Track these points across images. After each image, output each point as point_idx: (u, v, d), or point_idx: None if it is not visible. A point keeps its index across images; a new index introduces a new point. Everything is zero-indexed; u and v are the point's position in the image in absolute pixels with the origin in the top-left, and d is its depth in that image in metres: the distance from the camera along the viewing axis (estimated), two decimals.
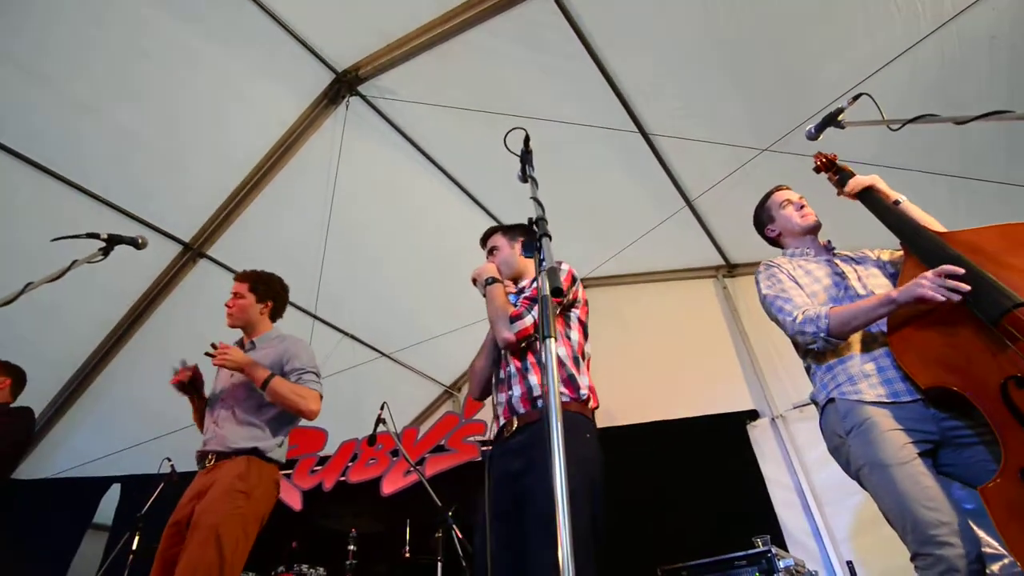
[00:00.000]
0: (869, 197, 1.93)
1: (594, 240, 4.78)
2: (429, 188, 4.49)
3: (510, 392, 1.85)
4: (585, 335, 1.98)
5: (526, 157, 1.76)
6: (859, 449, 1.62)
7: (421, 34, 3.70)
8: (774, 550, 2.77)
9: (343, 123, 4.04)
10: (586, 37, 3.52)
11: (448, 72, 3.82)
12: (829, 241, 2.11)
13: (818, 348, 1.78)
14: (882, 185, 1.95)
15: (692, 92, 3.81)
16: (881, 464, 1.54)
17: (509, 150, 1.75)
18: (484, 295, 1.97)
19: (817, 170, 2.11)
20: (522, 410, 1.81)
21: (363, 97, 4.03)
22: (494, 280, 1.95)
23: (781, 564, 2.72)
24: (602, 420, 4.76)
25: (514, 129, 1.74)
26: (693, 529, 3.68)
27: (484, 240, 2.24)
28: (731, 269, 5.10)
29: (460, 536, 2.64)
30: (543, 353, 1.08)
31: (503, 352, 1.94)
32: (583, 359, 1.93)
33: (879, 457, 1.55)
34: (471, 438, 4.35)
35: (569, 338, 1.91)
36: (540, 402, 1.79)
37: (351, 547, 2.95)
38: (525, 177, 1.79)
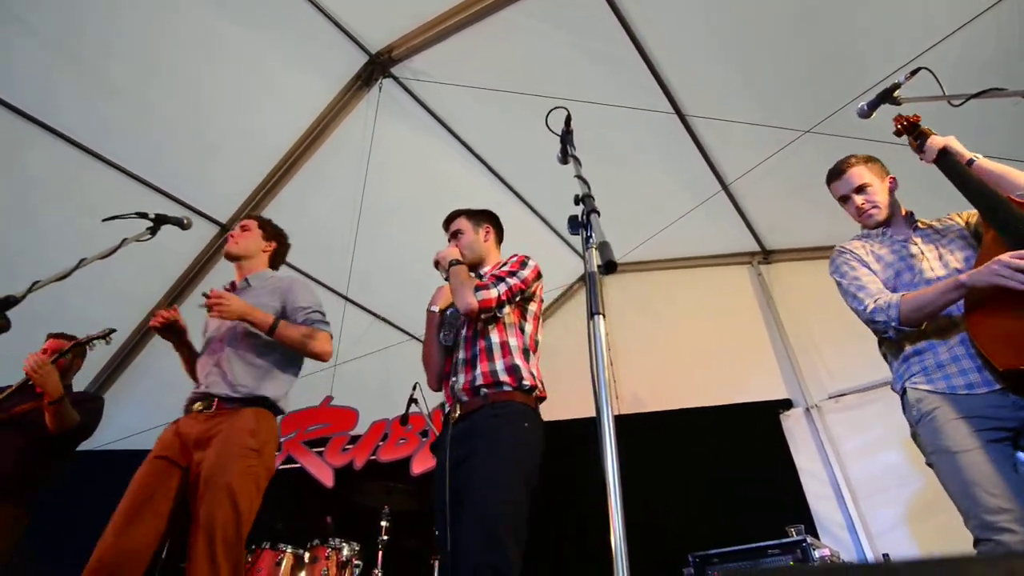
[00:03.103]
0: (945, 161, 1.78)
1: (626, 224, 4.71)
2: (461, 171, 4.48)
3: (455, 379, 1.88)
4: (538, 328, 2.03)
5: (567, 137, 1.73)
6: (927, 437, 1.61)
7: (454, 14, 3.67)
8: (809, 539, 2.73)
9: (376, 105, 4.05)
10: (623, 15, 3.44)
11: (481, 53, 3.79)
12: (910, 213, 1.96)
13: (891, 337, 1.74)
14: (957, 145, 1.78)
15: (731, 72, 3.70)
16: (946, 451, 1.54)
17: (550, 129, 1.72)
18: (447, 278, 1.99)
19: (898, 133, 1.95)
20: (464, 398, 1.83)
21: (396, 79, 4.03)
22: (458, 262, 1.98)
23: (816, 554, 2.68)
24: (632, 406, 4.77)
25: (556, 108, 1.71)
26: (724, 517, 3.65)
27: (447, 223, 2.22)
28: (766, 256, 4.98)
29: None
30: (590, 329, 1.06)
31: (457, 340, 1.96)
32: (534, 352, 1.97)
33: (944, 444, 1.55)
34: None
35: (522, 330, 1.95)
36: (483, 391, 1.82)
37: (384, 523, 3.00)
38: (565, 158, 1.76)
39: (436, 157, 4.40)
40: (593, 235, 1.21)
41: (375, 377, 5.25)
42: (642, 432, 4.01)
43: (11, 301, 1.53)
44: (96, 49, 3.40)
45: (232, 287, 2.32)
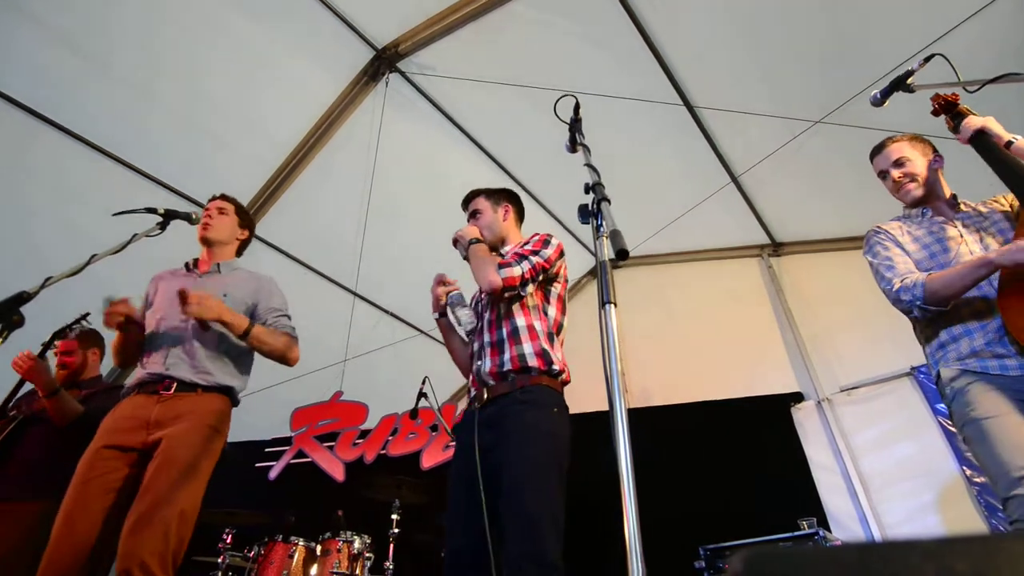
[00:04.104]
0: (981, 142, 1.70)
1: (635, 217, 4.68)
2: (467, 165, 4.48)
3: (480, 363, 1.84)
4: (563, 311, 1.97)
5: (576, 125, 1.72)
6: (959, 411, 1.62)
7: (461, 7, 3.65)
8: (822, 532, 2.71)
9: (383, 100, 4.05)
10: (629, 4, 3.41)
11: (488, 46, 3.78)
12: (954, 195, 1.92)
13: (917, 316, 1.73)
14: (995, 126, 1.72)
15: (740, 62, 3.67)
16: (976, 419, 1.55)
17: (559, 118, 1.71)
18: (466, 257, 1.94)
19: (935, 113, 1.89)
20: (491, 383, 1.80)
21: (403, 74, 4.02)
22: (478, 241, 1.93)
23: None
24: (642, 400, 4.75)
25: (564, 96, 1.69)
26: (735, 510, 3.63)
27: (466, 203, 2.17)
28: (776, 248, 4.94)
29: None
30: (603, 319, 1.05)
31: (478, 325, 1.93)
32: (557, 335, 1.92)
33: (975, 413, 1.56)
34: None
35: (546, 313, 1.90)
36: (511, 375, 1.78)
37: (394, 516, 3.01)
38: (574, 146, 1.75)
39: (443, 151, 4.39)
40: (604, 224, 1.20)
41: (384, 372, 5.27)
42: (651, 425, 4.00)
43: (24, 297, 1.54)
44: (99, 40, 3.39)
45: (195, 268, 2.28)
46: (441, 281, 1.92)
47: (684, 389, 4.42)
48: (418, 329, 5.56)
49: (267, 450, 4.62)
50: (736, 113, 3.86)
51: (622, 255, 0.99)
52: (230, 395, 2.08)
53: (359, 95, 4.08)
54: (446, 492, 3.12)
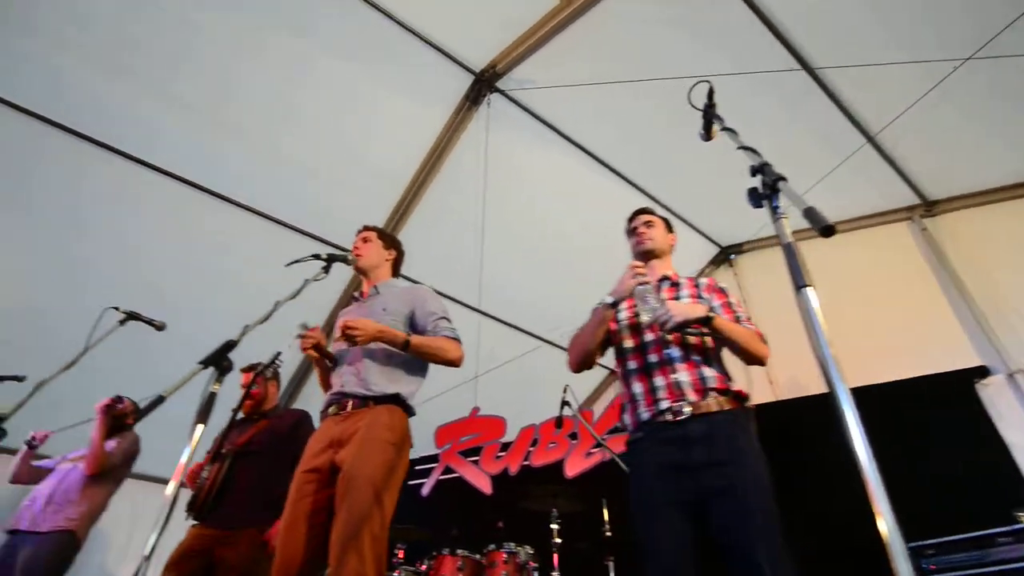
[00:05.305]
0: None
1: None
2: (578, 172, 4.48)
3: (674, 377, 1.78)
4: None
5: (710, 112, 1.67)
6: None
7: (553, 16, 3.68)
8: None
9: (487, 121, 4.17)
10: None
11: (585, 49, 3.77)
12: None
13: None
14: None
15: (858, 10, 3.34)
16: None
17: (693, 106, 1.66)
18: (696, 328, 1.80)
19: None
20: (692, 398, 1.74)
21: (503, 93, 4.12)
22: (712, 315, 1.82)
23: None
24: (791, 391, 4.41)
25: (698, 83, 1.65)
26: (925, 503, 3.24)
27: (642, 213, 2.20)
28: (930, 207, 4.40)
29: None
30: (802, 304, 0.99)
31: (660, 334, 1.85)
32: None
33: None
34: None
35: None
36: (713, 394, 1.75)
37: (553, 526, 3.03)
38: (708, 134, 1.70)
39: (550, 161, 4.43)
40: (779, 205, 1.14)
41: (515, 384, 5.37)
42: (808, 417, 3.69)
43: (231, 344, 1.75)
44: (230, 105, 3.84)
45: (361, 296, 2.41)
46: (636, 272, 1.86)
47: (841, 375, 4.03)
48: (542, 339, 5.62)
49: (416, 468, 4.87)
50: (863, 67, 3.52)
51: (828, 231, 0.92)
52: (400, 404, 2.13)
53: (463, 120, 4.23)
54: (602, 500, 3.12)
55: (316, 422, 2.31)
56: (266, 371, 2.86)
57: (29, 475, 3.29)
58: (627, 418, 1.88)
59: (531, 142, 4.32)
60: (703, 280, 2.06)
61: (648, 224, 2.15)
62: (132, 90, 3.59)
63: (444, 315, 2.30)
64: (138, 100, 3.66)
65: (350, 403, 2.09)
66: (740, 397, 1.80)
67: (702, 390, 1.75)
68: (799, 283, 0.99)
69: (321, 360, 2.28)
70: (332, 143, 4.20)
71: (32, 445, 3.28)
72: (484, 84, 4.06)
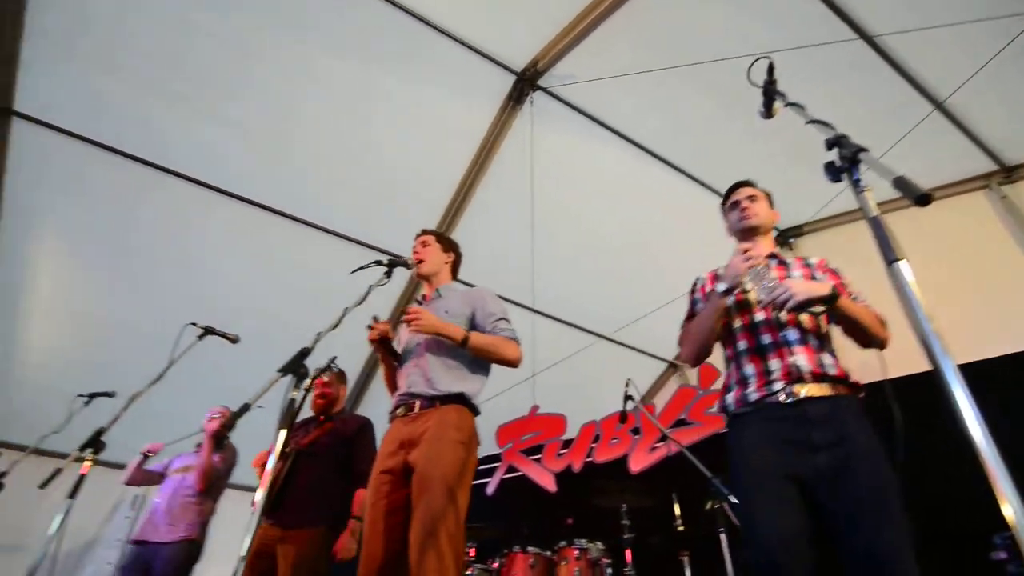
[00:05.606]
0: None
1: (819, 174, 4.22)
2: (623, 163, 4.43)
3: (791, 360, 1.69)
4: None
5: (771, 89, 1.61)
6: None
7: (592, 9, 3.65)
8: None
9: (531, 120, 4.17)
10: None
11: (626, 39, 3.72)
12: None
13: None
14: None
15: None
16: None
17: (752, 83, 1.61)
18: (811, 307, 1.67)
19: None
20: (810, 381, 1.66)
21: (545, 90, 4.12)
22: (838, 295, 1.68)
23: None
24: (863, 375, 4.20)
25: (758, 60, 1.59)
26: None
27: (743, 185, 2.06)
28: (1009, 173, 4.10)
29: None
30: (895, 279, 0.94)
31: (770, 316, 1.78)
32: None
33: None
34: (714, 409, 4.16)
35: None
36: (831, 380, 1.67)
37: (625, 521, 3.00)
38: (769, 112, 1.65)
39: (596, 154, 4.40)
40: (860, 177, 1.09)
41: (571, 381, 5.36)
42: (915, 398, 3.50)
43: (306, 351, 1.81)
44: (279, 123, 4.03)
45: (424, 300, 2.45)
46: (747, 255, 1.78)
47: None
48: (596, 334, 5.58)
49: (479, 468, 4.91)
50: (925, 31, 3.32)
51: (924, 199, 0.88)
52: (465, 403, 2.15)
53: (508, 120, 4.26)
54: (671, 495, 3.06)
55: (380, 424, 2.37)
56: (323, 374, 2.97)
57: (141, 479, 3.65)
58: (731, 398, 1.79)
59: (577, 137, 4.30)
60: (813, 259, 1.96)
61: (752, 198, 2.01)
62: (197, 119, 3.85)
63: (503, 316, 2.32)
64: (201, 127, 3.89)
65: (417, 403, 2.13)
66: (856, 386, 1.72)
67: (821, 375, 1.67)
68: (890, 257, 0.95)
69: (386, 356, 2.34)
70: (380, 154, 4.32)
71: (146, 456, 3.62)
72: (526, 83, 4.07)
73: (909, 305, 0.91)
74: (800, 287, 1.62)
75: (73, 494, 2.27)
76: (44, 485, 2.34)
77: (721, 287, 1.82)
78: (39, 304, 4.42)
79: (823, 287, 1.66)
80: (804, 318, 1.78)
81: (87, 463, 2.30)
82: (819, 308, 1.68)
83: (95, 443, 2.32)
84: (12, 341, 4.47)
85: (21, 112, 3.62)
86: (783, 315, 1.75)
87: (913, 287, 0.93)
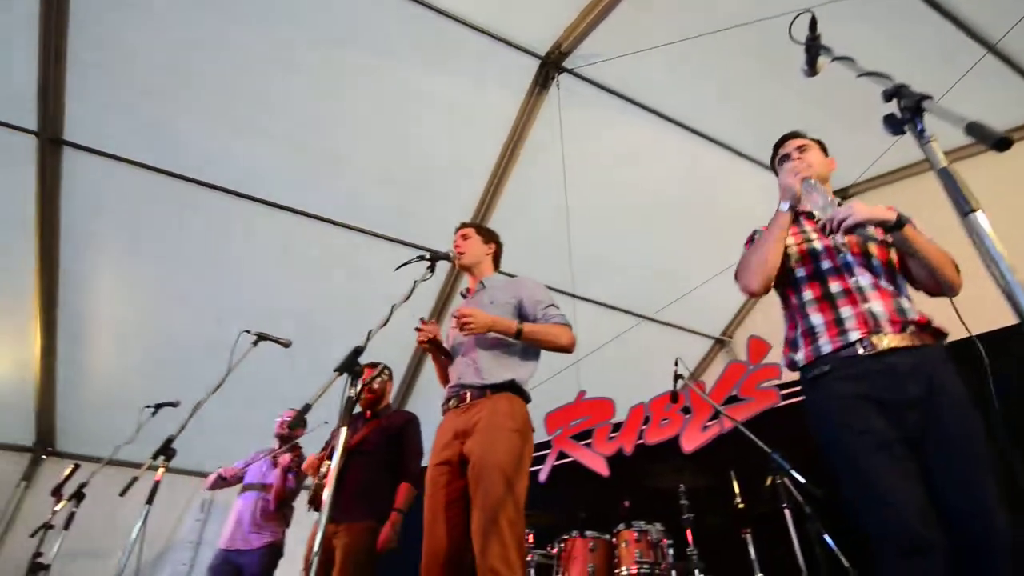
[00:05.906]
0: None
1: (868, 131, 4.03)
2: (656, 139, 4.34)
3: (866, 307, 1.57)
4: None
5: (815, 45, 1.54)
6: None
7: None
8: None
9: (558, 103, 4.12)
10: None
11: (650, 11, 3.63)
12: None
13: None
14: None
15: None
16: None
17: (794, 40, 1.53)
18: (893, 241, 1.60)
19: None
20: (889, 329, 1.53)
21: (570, 71, 4.06)
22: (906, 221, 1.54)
23: None
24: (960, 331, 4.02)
25: (800, 14, 1.52)
26: None
27: (793, 137, 1.92)
28: None
29: (803, 480, 2.44)
30: (972, 231, 0.89)
31: (838, 260, 1.67)
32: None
33: None
34: (766, 384, 4.06)
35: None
36: (912, 327, 1.54)
37: (683, 501, 2.96)
38: (814, 69, 1.57)
39: (627, 131, 4.33)
40: (924, 130, 1.02)
41: (616, 365, 5.31)
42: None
43: (359, 350, 1.84)
44: (312, 132, 4.11)
45: (468, 293, 2.48)
46: (796, 168, 1.71)
47: (997, 315, 3.61)
48: (638, 315, 5.51)
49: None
50: None
51: (1004, 144, 0.82)
52: (516, 391, 2.16)
53: (535, 106, 4.22)
54: (730, 472, 3.00)
55: (426, 420, 2.39)
56: (373, 369, 3.06)
57: (220, 485, 3.93)
58: (799, 355, 1.67)
59: (607, 117, 4.24)
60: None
61: (802, 149, 1.86)
62: (236, 134, 3.98)
63: (551, 303, 2.32)
64: (239, 141, 4.01)
65: (468, 394, 2.15)
66: (940, 333, 1.58)
67: (900, 322, 1.54)
68: (964, 209, 0.89)
69: (437, 355, 2.37)
70: (413, 151, 4.35)
71: (222, 476, 3.90)
72: (551, 66, 4.03)
73: (989, 257, 0.85)
74: (860, 207, 1.50)
75: (150, 500, 2.38)
76: (124, 492, 2.46)
77: (784, 206, 1.72)
78: (100, 325, 4.65)
79: (888, 211, 1.52)
80: (873, 251, 1.65)
81: (161, 470, 2.41)
82: (880, 235, 1.57)
83: (166, 450, 2.44)
84: (79, 363, 4.72)
85: (70, 141, 3.79)
86: (840, 238, 1.63)
87: (992, 238, 0.87)
